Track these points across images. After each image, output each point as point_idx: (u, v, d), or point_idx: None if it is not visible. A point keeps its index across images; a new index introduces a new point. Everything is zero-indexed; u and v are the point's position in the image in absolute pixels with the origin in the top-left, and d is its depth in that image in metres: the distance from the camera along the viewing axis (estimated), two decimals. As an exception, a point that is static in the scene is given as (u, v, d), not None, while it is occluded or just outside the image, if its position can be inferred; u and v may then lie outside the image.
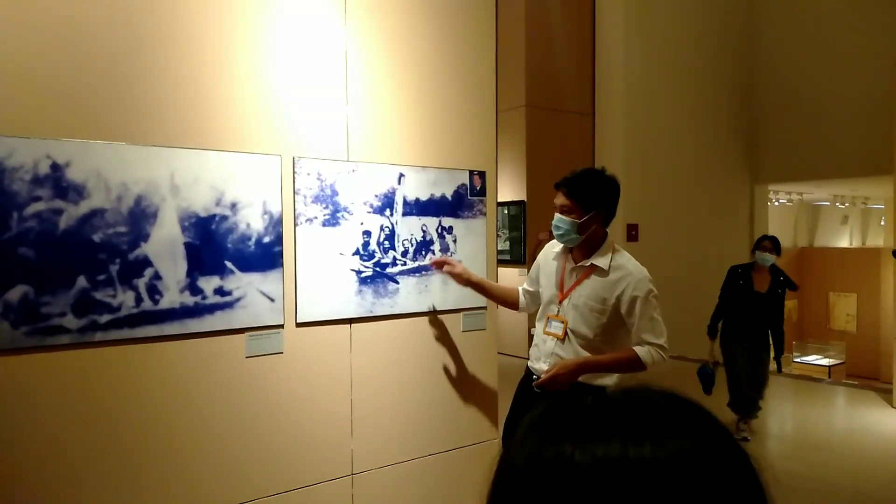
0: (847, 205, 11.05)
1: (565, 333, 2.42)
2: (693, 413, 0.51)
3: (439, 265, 2.79)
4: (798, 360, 10.08)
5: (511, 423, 2.70)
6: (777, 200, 9.50)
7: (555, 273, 2.54)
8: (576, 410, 0.52)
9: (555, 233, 2.42)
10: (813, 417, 5.73)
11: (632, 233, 5.74)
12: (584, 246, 2.41)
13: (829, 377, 9.09)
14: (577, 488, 0.45)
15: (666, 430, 0.48)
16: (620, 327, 2.40)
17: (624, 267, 2.36)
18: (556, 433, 0.49)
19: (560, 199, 2.37)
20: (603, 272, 2.36)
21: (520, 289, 2.81)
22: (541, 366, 2.50)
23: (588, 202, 2.33)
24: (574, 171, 2.42)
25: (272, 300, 2.47)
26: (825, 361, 9.91)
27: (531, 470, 0.49)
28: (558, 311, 2.48)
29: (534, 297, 2.73)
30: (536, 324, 2.59)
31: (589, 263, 2.40)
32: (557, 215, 2.37)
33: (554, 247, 2.60)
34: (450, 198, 2.97)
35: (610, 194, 2.39)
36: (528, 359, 2.66)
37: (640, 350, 2.31)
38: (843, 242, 12.24)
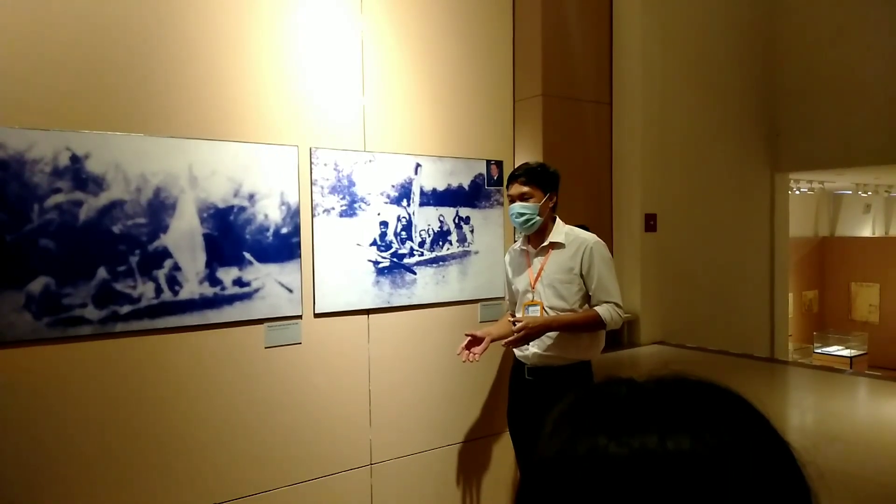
0: (869, 193, 10.85)
1: (543, 313, 2.57)
2: (733, 403, 0.49)
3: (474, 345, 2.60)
4: (819, 350, 9.96)
5: (512, 416, 2.75)
6: (798, 189, 9.36)
7: (522, 265, 2.72)
8: (609, 402, 0.50)
9: (517, 221, 2.60)
10: (834, 409, 5.65)
11: (650, 223, 5.68)
12: (541, 231, 2.64)
13: (851, 368, 8.97)
14: (613, 481, 0.44)
15: (705, 422, 0.46)
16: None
17: (579, 237, 2.61)
18: (589, 425, 0.48)
19: (518, 189, 2.58)
20: (561, 245, 2.60)
21: (507, 310, 2.92)
22: (531, 351, 2.61)
23: (544, 186, 2.59)
24: (523, 164, 2.65)
25: (290, 291, 2.47)
26: (847, 352, 9.78)
27: (563, 463, 0.47)
28: (532, 296, 2.63)
29: None
30: (516, 315, 2.72)
31: (548, 243, 2.62)
32: (518, 203, 2.58)
33: (513, 249, 2.82)
34: (467, 188, 2.95)
35: (556, 181, 2.64)
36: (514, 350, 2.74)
37: (600, 309, 2.51)
38: (866, 232, 12.04)
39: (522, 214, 2.57)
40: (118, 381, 2.15)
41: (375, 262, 2.70)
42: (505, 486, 3.10)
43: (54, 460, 2.05)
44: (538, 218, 2.58)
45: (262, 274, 2.41)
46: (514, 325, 2.46)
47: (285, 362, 2.49)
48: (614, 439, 0.45)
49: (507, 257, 2.85)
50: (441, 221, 2.88)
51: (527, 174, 2.59)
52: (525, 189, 2.57)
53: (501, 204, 3.05)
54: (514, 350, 2.70)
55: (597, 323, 2.51)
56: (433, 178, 2.85)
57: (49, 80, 2.02)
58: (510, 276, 2.79)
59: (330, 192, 2.57)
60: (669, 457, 0.44)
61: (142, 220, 2.16)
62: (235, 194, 2.35)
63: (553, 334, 2.54)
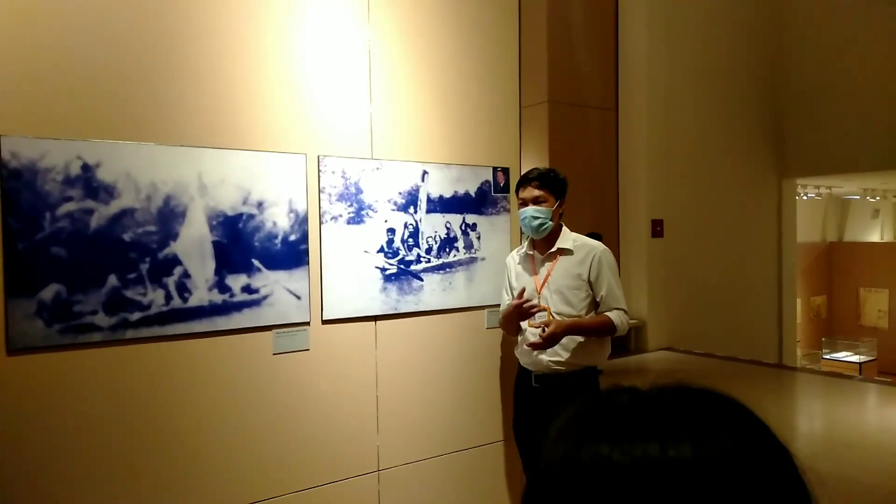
0: (878, 198, 10.81)
1: (550, 318, 2.55)
2: (733, 410, 0.50)
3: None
4: (827, 356, 9.89)
5: (519, 424, 2.74)
6: (805, 195, 9.33)
7: (527, 271, 2.71)
8: (612, 410, 0.50)
9: (530, 224, 2.57)
10: (843, 415, 5.62)
11: (656, 228, 5.67)
12: (549, 237, 2.62)
13: (860, 374, 8.90)
14: (616, 489, 0.44)
15: (706, 429, 0.46)
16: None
17: (586, 244, 2.63)
18: (592, 433, 0.48)
19: (532, 193, 2.58)
20: (569, 252, 2.61)
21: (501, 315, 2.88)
22: (541, 357, 2.59)
23: (556, 191, 2.60)
24: (535, 169, 2.65)
25: (298, 298, 2.49)
26: (856, 358, 9.71)
27: (567, 470, 0.48)
28: (539, 301, 2.61)
29: None
30: (521, 323, 2.68)
31: (556, 249, 2.62)
32: (532, 207, 2.56)
33: (516, 254, 2.80)
34: (473, 195, 2.97)
35: (566, 188, 2.65)
36: (519, 358, 2.74)
37: (612, 315, 2.54)
38: (874, 237, 11.97)
39: (537, 218, 2.56)
40: (128, 387, 2.17)
41: (383, 269, 2.71)
42: (512, 492, 3.10)
43: (65, 466, 2.07)
44: (551, 223, 2.58)
45: (270, 281, 2.42)
46: (543, 330, 2.46)
47: (293, 369, 2.50)
48: (617, 447, 0.46)
49: (510, 261, 2.83)
50: (448, 228, 2.89)
51: (540, 178, 2.59)
52: (539, 193, 2.57)
53: (508, 210, 3.06)
54: (520, 358, 2.71)
55: (611, 328, 2.54)
56: (440, 185, 2.86)
57: (61, 90, 2.04)
58: (513, 281, 2.77)
59: (338, 200, 2.59)
60: (671, 464, 0.44)
61: (152, 228, 2.18)
62: (244, 202, 2.37)
63: (563, 340, 2.55)
